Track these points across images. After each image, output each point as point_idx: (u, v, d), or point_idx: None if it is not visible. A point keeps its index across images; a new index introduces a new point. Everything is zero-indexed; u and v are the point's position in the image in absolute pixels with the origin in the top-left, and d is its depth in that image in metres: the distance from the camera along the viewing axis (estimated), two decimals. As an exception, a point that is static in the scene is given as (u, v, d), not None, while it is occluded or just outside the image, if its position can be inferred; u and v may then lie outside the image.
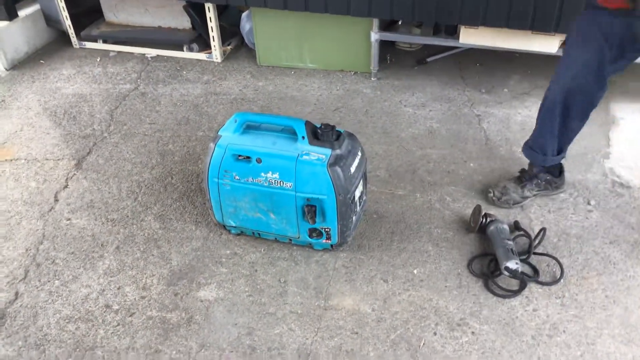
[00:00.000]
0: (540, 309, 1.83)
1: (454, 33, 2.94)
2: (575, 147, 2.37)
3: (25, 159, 2.63)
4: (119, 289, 1.96)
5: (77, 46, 3.66)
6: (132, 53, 3.57)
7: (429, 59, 3.34)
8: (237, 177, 1.97)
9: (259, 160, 1.93)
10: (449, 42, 2.96)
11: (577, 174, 2.41)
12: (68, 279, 2.00)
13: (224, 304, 1.89)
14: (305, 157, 1.89)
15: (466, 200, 2.30)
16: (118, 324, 1.83)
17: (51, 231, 2.21)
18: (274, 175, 1.92)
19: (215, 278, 1.99)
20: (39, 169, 2.56)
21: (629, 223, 2.15)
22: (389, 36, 3.04)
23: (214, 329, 1.81)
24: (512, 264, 1.88)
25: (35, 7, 3.62)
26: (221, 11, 3.38)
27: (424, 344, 1.74)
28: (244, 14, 3.40)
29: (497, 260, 1.93)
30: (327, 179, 1.87)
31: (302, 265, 2.03)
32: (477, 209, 2.09)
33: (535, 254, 2.00)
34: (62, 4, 3.50)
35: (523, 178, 2.25)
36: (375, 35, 3.00)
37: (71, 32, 3.62)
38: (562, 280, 1.93)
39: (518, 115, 2.84)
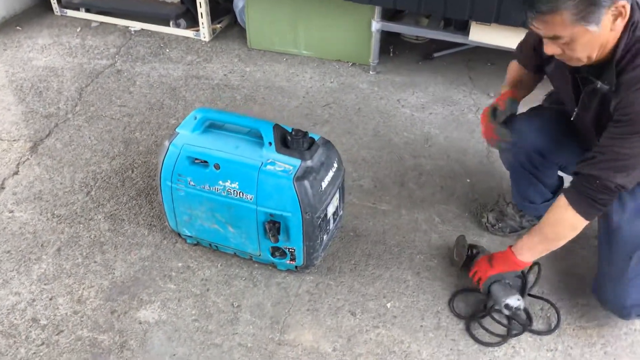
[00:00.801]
0: (527, 364, 1.58)
1: (464, 28, 2.64)
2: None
3: (-22, 138, 2.39)
4: (51, 299, 1.73)
5: (58, 13, 3.39)
6: (115, 25, 3.29)
7: (435, 54, 3.03)
8: (192, 183, 1.72)
9: (217, 166, 1.67)
10: (457, 38, 2.65)
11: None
12: (-3, 283, 1.77)
13: (164, 328, 1.65)
14: (269, 167, 1.63)
15: (457, 222, 2.03)
16: (42, 343, 1.60)
17: (-11, 224, 1.98)
18: (233, 185, 1.66)
19: (161, 295, 1.75)
20: (-10, 150, 2.32)
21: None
22: (392, 27, 2.74)
23: (148, 358, 1.57)
24: (513, 301, 1.60)
25: (15, -32, 3.36)
26: (213, -15, 3.09)
27: (387, 398, 1.49)
28: (237, -10, 3.11)
29: (491, 297, 1.65)
30: (292, 195, 1.61)
31: (261, 287, 1.78)
32: (461, 240, 1.80)
33: (530, 295, 1.73)
34: (43, -33, 3.22)
35: (524, 204, 1.98)
36: (376, 25, 2.71)
37: (53, -3, 3.35)
38: (557, 330, 1.66)
39: (527, 125, 2.55)
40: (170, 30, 3.19)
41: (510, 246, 1.63)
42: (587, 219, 1.43)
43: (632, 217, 1.50)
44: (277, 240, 1.69)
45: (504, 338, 1.64)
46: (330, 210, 1.78)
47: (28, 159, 2.29)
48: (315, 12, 2.84)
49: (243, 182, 1.65)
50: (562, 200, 1.45)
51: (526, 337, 1.65)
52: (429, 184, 2.20)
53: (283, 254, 1.75)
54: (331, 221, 1.81)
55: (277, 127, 1.66)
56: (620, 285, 1.54)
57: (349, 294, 1.77)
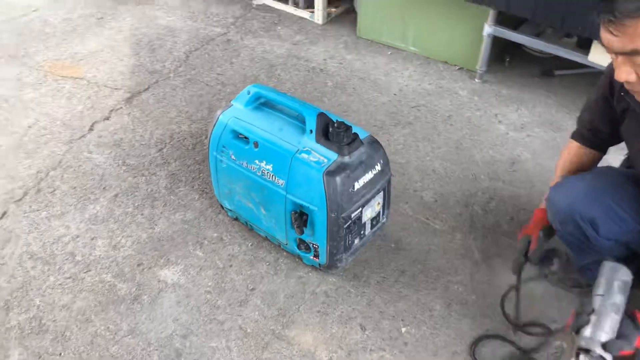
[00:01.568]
0: None
1: (588, 46, 2.33)
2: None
3: (87, 81, 2.62)
4: (92, 239, 1.84)
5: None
6: (241, -4, 3.40)
7: (557, 72, 2.73)
8: (233, 157, 1.72)
9: (255, 145, 1.65)
10: (575, 56, 2.35)
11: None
12: (55, 213, 1.93)
13: (178, 292, 1.69)
14: (304, 155, 1.57)
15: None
16: (70, 277, 1.72)
17: (68, 160, 2.15)
18: (268, 167, 1.63)
19: (187, 260, 1.78)
20: (93, 94, 2.53)
21: None
22: (505, 33, 2.50)
23: (153, 317, 1.62)
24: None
25: None
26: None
27: None
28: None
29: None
30: (320, 188, 1.54)
31: (281, 276, 1.74)
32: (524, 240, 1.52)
33: None
34: None
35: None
36: (488, 29, 2.49)
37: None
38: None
39: None
40: (288, 8, 3.22)
41: None
42: None
43: None
44: (301, 233, 1.63)
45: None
46: (368, 214, 1.68)
47: (121, 108, 2.45)
48: (429, 8, 2.68)
49: (277, 166, 1.61)
50: None
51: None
52: (498, 212, 1.99)
53: (308, 248, 1.69)
54: (367, 226, 1.71)
55: (321, 116, 1.59)
56: None
57: (367, 306, 1.66)
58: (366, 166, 1.60)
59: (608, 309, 1.18)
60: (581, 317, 1.20)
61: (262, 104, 1.74)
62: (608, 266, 1.27)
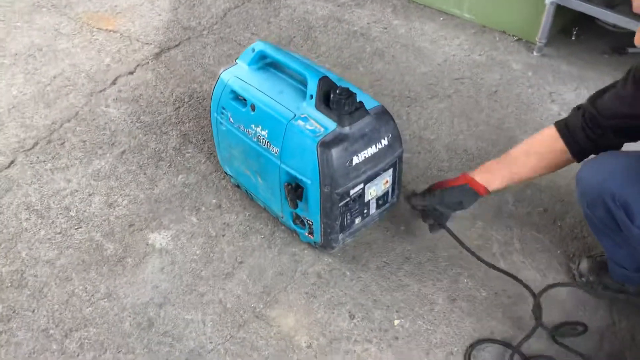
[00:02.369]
0: None
1: (667, 20, 1.99)
2: None
3: (120, 34, 2.56)
4: (89, 195, 1.79)
5: None
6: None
7: (630, 50, 2.38)
8: (231, 120, 1.59)
9: (252, 108, 1.51)
10: (649, 31, 2.01)
11: None
12: (60, 166, 1.89)
13: (163, 258, 1.60)
14: (300, 122, 1.41)
15: (540, 258, 1.59)
16: (60, 232, 1.67)
17: (84, 113, 2.11)
18: (263, 133, 1.49)
19: (179, 226, 1.69)
20: (123, 48, 2.47)
21: None
22: (569, 1, 2.18)
23: (133, 281, 1.54)
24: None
25: None
26: None
27: None
28: None
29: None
30: (313, 160, 1.38)
31: (274, 252, 1.61)
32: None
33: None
34: None
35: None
36: (550, -4, 2.19)
37: None
38: None
39: None
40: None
41: None
42: None
43: None
44: (295, 207, 1.49)
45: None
46: (372, 192, 1.51)
47: (148, 63, 2.38)
48: (487, -31, 2.40)
49: (272, 132, 1.47)
50: None
51: None
52: (531, 202, 1.75)
53: (303, 224, 1.54)
54: (372, 205, 1.54)
55: (323, 80, 1.42)
56: None
57: (360, 292, 1.50)
58: (369, 139, 1.41)
59: None
60: None
61: (268, 64, 1.59)
62: None
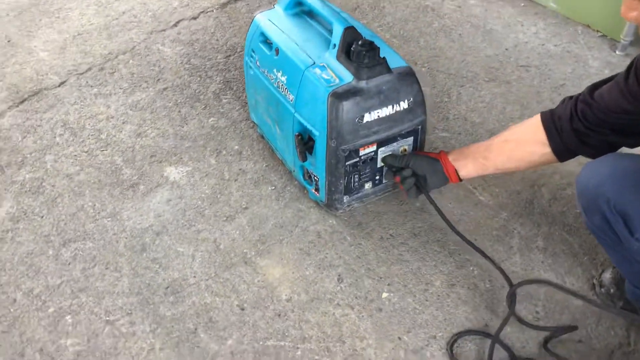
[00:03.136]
0: None
1: None
2: None
3: (196, -18, 2.60)
4: (123, 123, 1.84)
5: None
6: None
7: None
8: (258, 64, 1.56)
9: (277, 52, 1.47)
10: None
11: None
12: (104, 92, 1.95)
13: (173, 191, 1.61)
14: (317, 70, 1.36)
15: (562, 261, 1.44)
16: (86, 151, 1.73)
17: (140, 48, 2.17)
18: (283, 78, 1.45)
19: (197, 164, 1.69)
20: (194, -6, 2.51)
21: None
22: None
23: (138, 207, 1.56)
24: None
25: None
26: None
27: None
28: None
29: None
30: (323, 110, 1.32)
31: (280, 204, 1.57)
32: None
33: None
34: None
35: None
36: (642, -13, 1.96)
37: None
38: None
39: None
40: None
41: None
42: None
43: None
44: (303, 159, 1.44)
45: None
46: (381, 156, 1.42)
47: (212, 11, 2.40)
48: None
49: (290, 79, 1.42)
50: None
51: None
52: (569, 201, 1.59)
53: (310, 180, 1.49)
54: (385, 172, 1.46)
55: (349, 30, 1.35)
56: None
57: (355, 259, 1.43)
58: (386, 98, 1.33)
59: None
60: None
61: (305, 12, 1.54)
62: None
